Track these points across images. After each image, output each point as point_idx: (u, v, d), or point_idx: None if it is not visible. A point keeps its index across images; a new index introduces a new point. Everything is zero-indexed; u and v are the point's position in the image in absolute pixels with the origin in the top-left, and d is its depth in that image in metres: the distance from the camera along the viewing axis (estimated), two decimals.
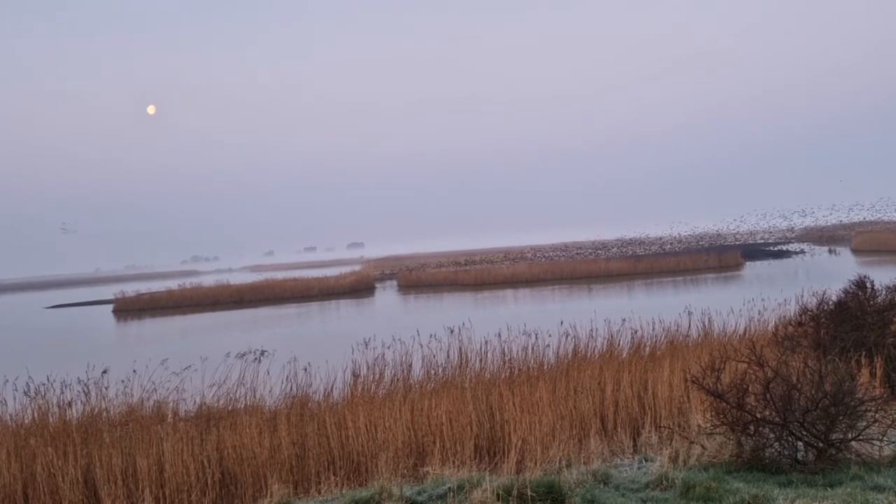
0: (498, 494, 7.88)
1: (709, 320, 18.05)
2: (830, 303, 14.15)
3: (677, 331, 17.10)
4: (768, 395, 8.71)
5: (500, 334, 15.69)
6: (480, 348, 15.23)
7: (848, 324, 13.45)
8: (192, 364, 15.12)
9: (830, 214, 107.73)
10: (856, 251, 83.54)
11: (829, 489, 7.76)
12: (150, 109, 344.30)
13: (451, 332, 15.60)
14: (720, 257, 77.79)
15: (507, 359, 14.96)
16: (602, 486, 8.48)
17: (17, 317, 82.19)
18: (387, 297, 70.43)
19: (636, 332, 16.39)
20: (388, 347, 15.42)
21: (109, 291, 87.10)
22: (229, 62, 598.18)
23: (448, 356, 15.09)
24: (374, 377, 14.32)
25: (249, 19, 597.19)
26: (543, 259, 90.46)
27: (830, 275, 42.47)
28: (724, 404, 9.02)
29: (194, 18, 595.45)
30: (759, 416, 8.80)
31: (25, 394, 13.46)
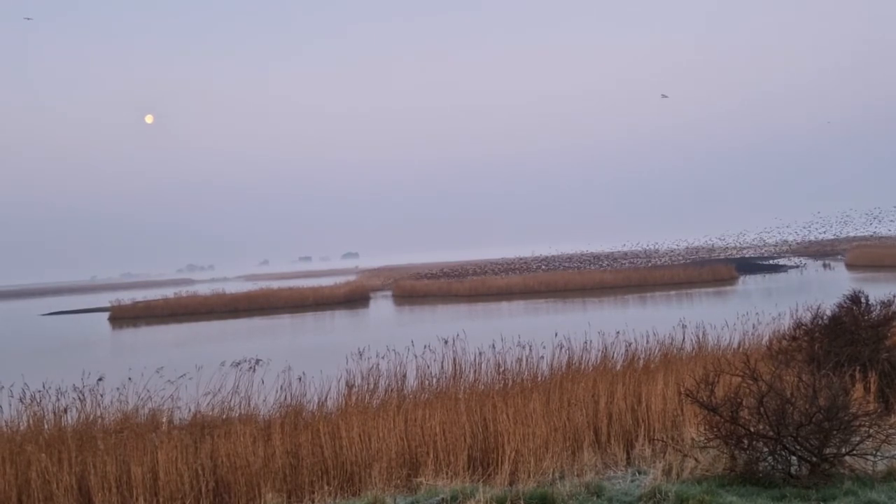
0: None
1: (703, 334, 18.04)
2: (825, 317, 14.18)
3: (671, 344, 17.09)
4: (762, 409, 8.74)
5: (493, 346, 15.69)
6: (474, 359, 15.21)
7: (842, 338, 13.49)
8: (186, 372, 15.14)
9: (825, 230, 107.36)
10: (850, 266, 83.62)
11: None
12: (148, 118, 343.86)
13: (446, 342, 15.59)
14: (714, 271, 77.89)
15: (500, 370, 14.93)
16: (595, 498, 8.51)
17: (12, 324, 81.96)
18: (381, 307, 70.40)
19: (630, 344, 16.37)
20: (383, 358, 15.41)
21: (105, 299, 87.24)
22: (227, 72, 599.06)
23: (442, 367, 15.07)
24: (368, 387, 14.31)
25: (247, 30, 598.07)
26: (541, 270, 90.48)
27: (824, 289, 42.57)
28: (717, 418, 9.05)
29: (193, 28, 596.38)
30: (752, 429, 8.83)
31: (21, 400, 13.46)
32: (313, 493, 10.53)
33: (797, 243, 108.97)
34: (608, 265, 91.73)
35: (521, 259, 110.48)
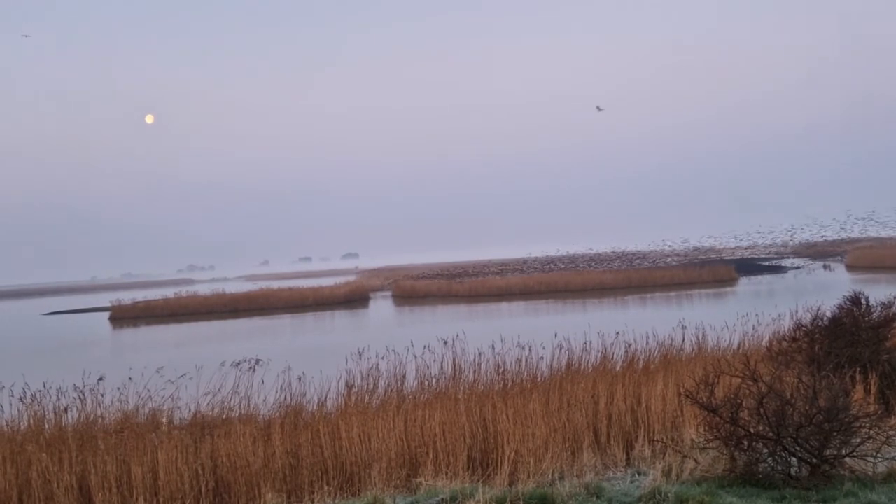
0: None
1: (703, 334, 18.03)
2: (825, 318, 14.18)
3: (671, 345, 17.09)
4: (762, 410, 8.74)
5: (493, 346, 15.68)
6: (474, 360, 15.20)
7: (842, 340, 13.48)
8: (186, 372, 15.16)
9: (825, 231, 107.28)
10: (850, 267, 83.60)
11: None
12: (149, 118, 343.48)
13: (445, 343, 15.58)
14: (714, 271, 77.89)
15: (500, 371, 14.93)
16: (595, 499, 8.51)
17: (14, 323, 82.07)
18: (381, 307, 70.45)
19: (630, 345, 16.36)
20: (382, 358, 15.41)
21: (106, 299, 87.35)
22: (228, 73, 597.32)
23: (442, 368, 15.07)
24: (367, 387, 14.32)
25: (248, 31, 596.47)
26: (541, 271, 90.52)
27: (824, 291, 42.55)
28: (717, 419, 9.06)
29: (194, 28, 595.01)
30: (752, 430, 8.84)
31: (21, 400, 13.49)
32: (313, 493, 10.53)
33: (797, 244, 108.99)
34: (609, 265, 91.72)
35: (520, 260, 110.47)
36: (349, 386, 14.11)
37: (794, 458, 8.84)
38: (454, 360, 15.18)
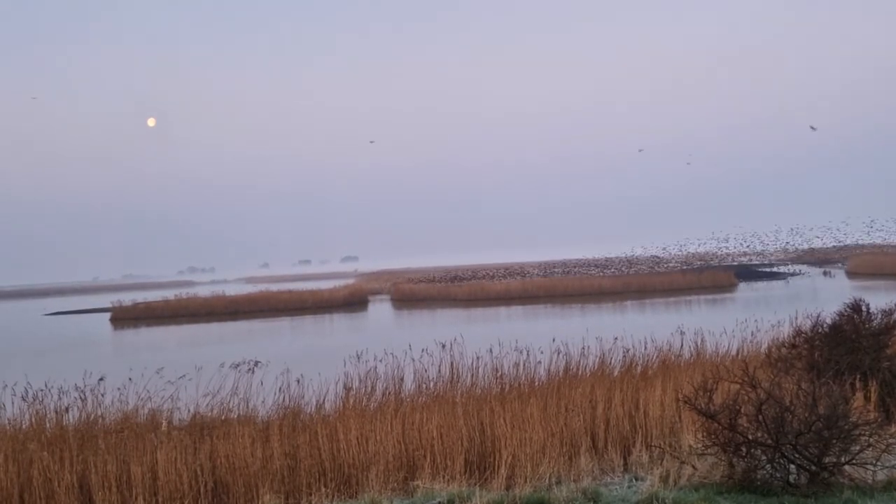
0: None
1: (701, 340, 18.02)
2: (825, 325, 14.17)
3: (669, 350, 17.07)
4: (760, 417, 8.74)
5: (491, 350, 15.69)
6: (472, 364, 15.21)
7: (843, 347, 13.47)
8: (186, 373, 15.14)
9: (824, 236, 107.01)
10: (851, 274, 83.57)
11: None
12: (151, 122, 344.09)
13: (443, 347, 15.59)
14: (713, 277, 77.80)
15: (498, 375, 14.94)
16: (592, 503, 8.52)
17: (16, 323, 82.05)
18: (380, 310, 70.44)
19: (628, 350, 16.37)
20: (381, 361, 15.40)
21: (107, 300, 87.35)
22: (229, 76, 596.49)
23: (439, 371, 15.06)
24: (365, 390, 14.31)
25: (250, 32, 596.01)
26: (538, 275, 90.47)
27: (825, 297, 42.56)
28: (715, 425, 9.06)
29: (195, 31, 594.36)
30: (751, 437, 8.84)
31: (23, 399, 13.50)
32: (311, 494, 10.56)
33: (797, 250, 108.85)
34: (608, 271, 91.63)
35: (519, 264, 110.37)
36: (347, 388, 14.11)
37: (792, 466, 8.85)
38: (452, 363, 15.18)
